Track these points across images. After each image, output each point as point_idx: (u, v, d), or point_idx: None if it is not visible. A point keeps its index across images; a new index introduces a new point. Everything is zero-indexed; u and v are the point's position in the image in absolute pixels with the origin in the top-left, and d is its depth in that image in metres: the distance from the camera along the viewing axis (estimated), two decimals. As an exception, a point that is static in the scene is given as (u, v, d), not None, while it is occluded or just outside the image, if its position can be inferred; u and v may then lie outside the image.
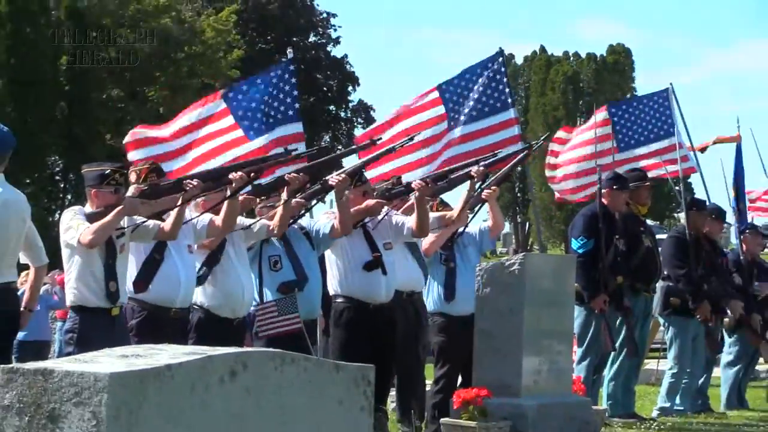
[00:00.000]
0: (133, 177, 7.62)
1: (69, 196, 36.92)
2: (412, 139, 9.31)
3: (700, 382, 11.50)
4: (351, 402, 4.23)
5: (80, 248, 6.98)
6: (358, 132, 52.60)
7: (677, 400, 11.02)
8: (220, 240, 7.81)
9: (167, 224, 7.28)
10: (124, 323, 7.25)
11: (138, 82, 36.40)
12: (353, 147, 10.88)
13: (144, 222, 7.21)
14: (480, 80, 12.18)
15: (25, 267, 7.65)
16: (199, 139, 10.44)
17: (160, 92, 36.20)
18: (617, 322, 10.15)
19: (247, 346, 7.92)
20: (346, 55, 52.97)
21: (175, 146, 10.40)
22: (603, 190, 10.30)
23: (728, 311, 11.55)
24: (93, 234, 6.91)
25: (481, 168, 9.10)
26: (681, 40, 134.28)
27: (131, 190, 7.50)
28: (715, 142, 15.51)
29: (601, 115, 14.11)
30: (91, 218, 7.01)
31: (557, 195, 14.65)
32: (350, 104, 53.13)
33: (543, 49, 76.97)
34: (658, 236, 11.63)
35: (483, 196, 9.32)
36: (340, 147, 50.22)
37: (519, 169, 10.36)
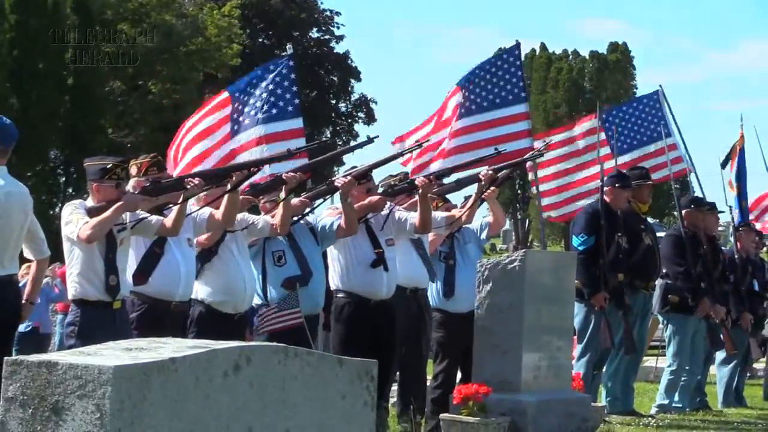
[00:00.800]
0: (133, 170, 7.62)
1: (70, 189, 36.91)
2: (421, 145, 9.33)
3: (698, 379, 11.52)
4: (354, 396, 4.24)
5: (80, 242, 6.98)
6: (359, 127, 52.66)
7: (676, 398, 11.04)
8: (218, 236, 7.80)
9: (168, 220, 7.29)
10: (126, 317, 7.26)
11: (140, 76, 36.39)
12: (357, 144, 10.84)
13: (146, 217, 7.22)
14: (493, 71, 12.19)
15: (27, 259, 7.66)
16: (198, 135, 10.44)
17: (162, 86, 36.18)
18: (619, 319, 10.17)
19: (248, 341, 7.92)
20: (348, 51, 53.05)
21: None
22: (605, 188, 10.33)
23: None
24: (92, 229, 6.91)
25: (490, 172, 9.14)
26: (682, 39, 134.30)
27: (132, 183, 7.51)
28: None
29: (586, 124, 14.05)
30: (91, 213, 7.01)
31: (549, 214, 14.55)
32: (352, 98, 53.11)
33: (544, 47, 76.88)
34: (657, 234, 11.65)
35: (482, 196, 9.35)
36: (340, 143, 50.29)
37: (518, 168, 10.39)
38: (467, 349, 8.61)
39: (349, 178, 8.14)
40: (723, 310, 11.24)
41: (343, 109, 53.35)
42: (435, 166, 10.93)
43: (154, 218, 7.28)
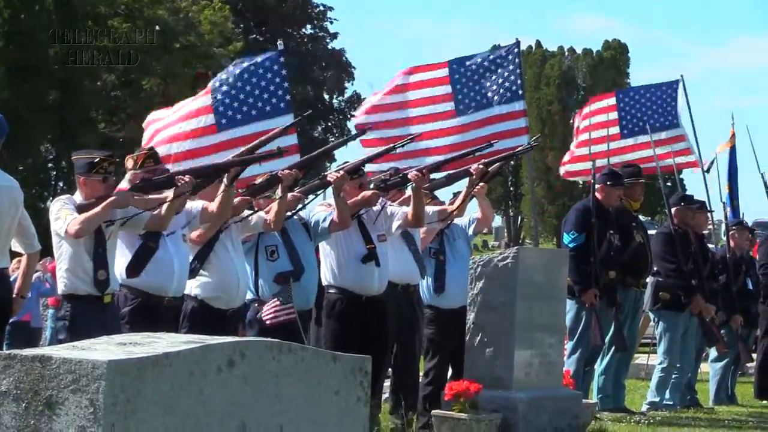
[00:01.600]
0: (129, 163, 7.61)
1: (61, 184, 36.85)
2: (413, 139, 9.34)
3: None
4: (347, 392, 4.25)
5: (68, 237, 6.98)
6: (352, 124, 52.61)
7: (667, 395, 11.05)
8: (212, 233, 7.79)
9: (157, 215, 7.29)
10: (116, 311, 7.25)
11: (132, 71, 36.30)
12: (347, 138, 10.88)
13: (139, 213, 7.22)
14: (493, 68, 12.22)
15: (17, 254, 7.65)
16: (176, 119, 10.45)
17: (154, 81, 36.10)
18: (610, 317, 10.19)
19: (241, 336, 7.92)
20: (343, 49, 53.10)
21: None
22: (597, 185, 10.35)
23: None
24: (80, 224, 6.91)
25: (481, 167, 9.17)
26: (676, 37, 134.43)
27: (128, 176, 7.51)
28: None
29: (597, 104, 14.15)
30: (81, 209, 7.01)
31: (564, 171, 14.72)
32: (345, 93, 53.17)
33: (539, 44, 76.91)
34: (649, 231, 11.67)
35: (472, 192, 9.36)
36: (332, 138, 50.28)
37: (512, 163, 10.42)
38: (458, 345, 8.62)
39: (341, 172, 8.14)
40: (712, 308, 11.25)
41: (336, 105, 53.38)
42: (429, 161, 10.95)
43: (146, 214, 7.28)
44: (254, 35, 49.56)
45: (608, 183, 10.38)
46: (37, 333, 16.22)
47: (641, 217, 14.12)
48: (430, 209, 8.98)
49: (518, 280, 8.37)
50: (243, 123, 10.46)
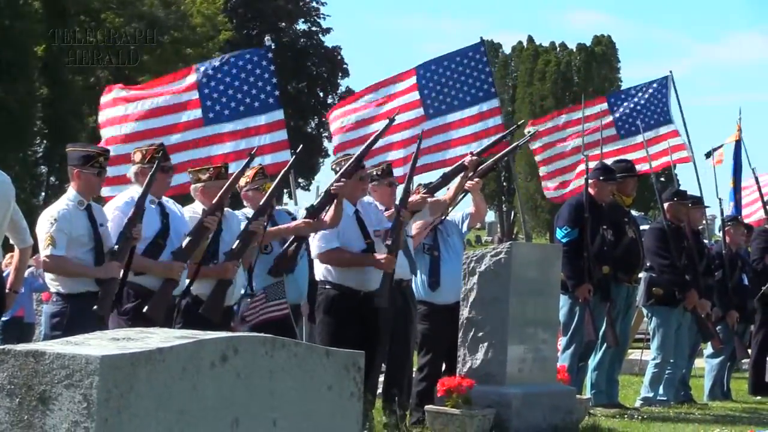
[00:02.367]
0: (137, 156, 7.59)
1: (53, 179, 36.79)
2: (393, 120, 9.30)
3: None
4: (340, 387, 4.24)
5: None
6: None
7: (660, 391, 11.06)
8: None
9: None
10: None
11: (125, 66, 36.22)
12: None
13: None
14: (460, 69, 12.26)
15: (9, 248, 7.64)
16: (158, 110, 10.43)
17: (147, 77, 36.05)
18: (603, 312, 10.19)
19: (233, 331, 7.91)
20: (338, 46, 53.05)
21: (132, 111, 10.43)
22: (590, 181, 10.35)
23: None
24: (55, 267, 7.04)
25: (474, 158, 9.20)
26: (669, 32, 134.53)
27: (134, 170, 7.51)
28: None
29: (590, 109, 14.16)
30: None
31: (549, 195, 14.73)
32: (338, 90, 53.10)
33: (531, 39, 76.93)
34: (642, 227, 11.67)
35: (466, 187, 9.37)
36: (325, 134, 50.33)
37: (505, 159, 10.43)
38: (452, 341, 8.62)
39: (342, 181, 8.14)
40: (708, 304, 11.26)
41: (330, 101, 53.35)
42: (401, 171, 10.90)
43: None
44: (246, 30, 49.48)
45: (600, 178, 10.39)
46: (31, 328, 16.17)
47: (634, 213, 14.13)
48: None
49: (511, 275, 8.38)
50: (230, 118, 10.48)
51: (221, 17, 39.41)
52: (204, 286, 7.73)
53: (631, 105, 14.09)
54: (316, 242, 8.23)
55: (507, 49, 79.80)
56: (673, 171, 13.36)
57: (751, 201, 16.29)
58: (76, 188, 7.17)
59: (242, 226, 7.98)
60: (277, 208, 8.67)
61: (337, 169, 8.44)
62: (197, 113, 10.44)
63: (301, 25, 52.71)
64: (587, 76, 71.42)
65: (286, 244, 8.30)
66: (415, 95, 12.17)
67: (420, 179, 9.90)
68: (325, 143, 49.72)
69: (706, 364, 12.34)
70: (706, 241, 13.36)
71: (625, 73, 75.44)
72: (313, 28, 52.66)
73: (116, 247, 7.14)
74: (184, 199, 8.41)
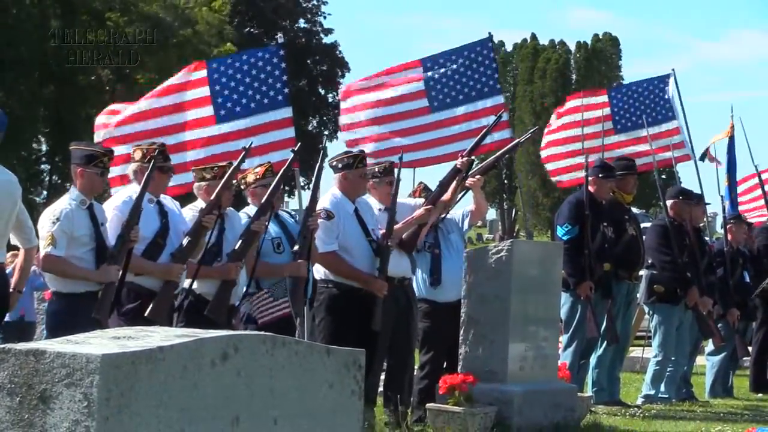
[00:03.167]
0: (138, 155, 7.58)
1: (55, 177, 36.79)
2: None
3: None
4: (341, 385, 4.25)
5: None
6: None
7: (662, 388, 11.05)
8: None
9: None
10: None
11: (127, 66, 36.22)
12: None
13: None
14: (467, 63, 12.24)
15: (11, 247, 7.63)
16: (169, 107, 10.42)
17: (148, 76, 36.03)
18: (605, 309, 10.19)
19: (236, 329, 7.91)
20: (337, 42, 53.05)
21: (143, 108, 10.42)
22: (589, 178, 10.35)
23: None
24: (54, 268, 7.05)
25: (466, 159, 9.23)
26: (669, 30, 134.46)
27: (133, 167, 7.51)
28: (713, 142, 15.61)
29: (589, 99, 14.17)
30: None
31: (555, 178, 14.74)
32: (339, 87, 53.06)
33: (534, 36, 76.88)
34: (643, 225, 11.66)
35: (467, 184, 9.36)
36: (326, 132, 50.33)
37: (506, 156, 10.41)
38: (453, 339, 8.62)
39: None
40: (710, 301, 11.25)
41: (331, 99, 53.34)
42: (407, 157, 10.92)
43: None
44: (248, 28, 49.49)
45: (600, 175, 10.39)
46: (31, 327, 16.18)
47: (635, 210, 14.13)
48: (414, 201, 9.11)
49: (512, 272, 8.38)
50: (242, 116, 10.46)
51: (228, 29, 39.39)
52: (208, 285, 7.72)
53: (631, 100, 14.08)
54: (316, 241, 8.23)
55: (509, 47, 79.78)
56: (674, 168, 13.34)
57: (752, 198, 16.29)
58: (79, 187, 7.17)
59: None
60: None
61: (339, 165, 8.48)
62: (208, 110, 10.43)
63: (302, 24, 52.69)
64: (587, 74, 71.37)
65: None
66: (420, 85, 12.17)
67: (421, 173, 9.94)
68: (326, 143, 49.67)
69: (707, 361, 12.33)
70: (707, 238, 13.36)
71: (625, 71, 75.38)
72: (314, 28, 52.64)
73: (114, 249, 7.14)
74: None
